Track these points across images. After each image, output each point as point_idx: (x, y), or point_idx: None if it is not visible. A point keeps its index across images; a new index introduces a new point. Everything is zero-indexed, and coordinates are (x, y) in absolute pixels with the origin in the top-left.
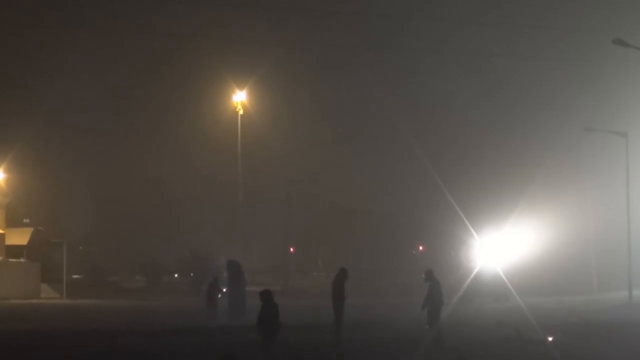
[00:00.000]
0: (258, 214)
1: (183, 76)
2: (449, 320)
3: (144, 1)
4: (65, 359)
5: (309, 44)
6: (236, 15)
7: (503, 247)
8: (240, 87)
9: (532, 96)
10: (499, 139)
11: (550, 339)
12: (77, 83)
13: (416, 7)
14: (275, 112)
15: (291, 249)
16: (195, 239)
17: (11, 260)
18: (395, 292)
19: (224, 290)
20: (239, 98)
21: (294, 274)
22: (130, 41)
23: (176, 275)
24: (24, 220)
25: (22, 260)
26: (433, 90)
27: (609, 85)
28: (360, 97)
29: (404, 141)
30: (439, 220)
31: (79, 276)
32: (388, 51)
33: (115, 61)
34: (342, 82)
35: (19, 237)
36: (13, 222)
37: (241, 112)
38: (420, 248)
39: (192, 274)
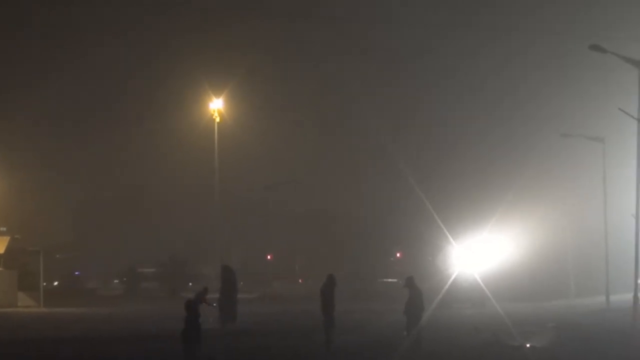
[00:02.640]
0: (236, 220)
1: (159, 83)
2: (427, 326)
3: (119, 6)
4: None
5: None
6: (212, 21)
7: (481, 253)
8: (217, 95)
9: (508, 101)
10: (475, 144)
11: (527, 344)
12: (54, 91)
13: (395, 10)
14: (252, 118)
15: (268, 257)
16: (173, 246)
17: None
18: (373, 297)
19: (214, 304)
20: (216, 106)
21: (271, 280)
22: (106, 48)
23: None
24: (1, 229)
25: None
26: (410, 95)
27: (586, 91)
28: (338, 103)
29: (381, 146)
30: (416, 226)
31: (56, 283)
32: (367, 55)
33: (91, 69)
34: (320, 87)
35: None
36: None
37: (218, 119)
38: (398, 255)
39: (170, 281)
